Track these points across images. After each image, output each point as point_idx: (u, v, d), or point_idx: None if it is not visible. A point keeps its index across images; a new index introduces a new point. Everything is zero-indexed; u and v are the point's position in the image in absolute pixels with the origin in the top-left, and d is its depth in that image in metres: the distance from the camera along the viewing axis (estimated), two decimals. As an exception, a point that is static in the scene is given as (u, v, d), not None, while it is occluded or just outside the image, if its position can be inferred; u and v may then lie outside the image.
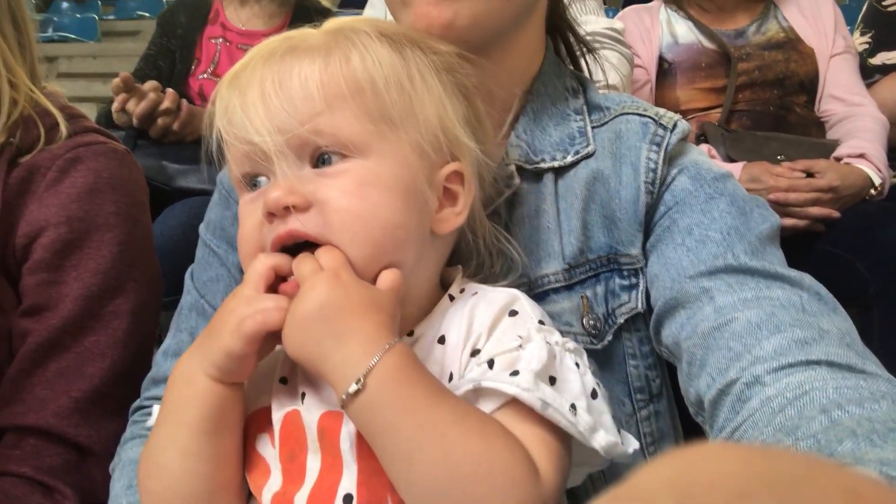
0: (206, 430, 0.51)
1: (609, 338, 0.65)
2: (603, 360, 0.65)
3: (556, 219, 0.66)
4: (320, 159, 0.52)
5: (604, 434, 0.48)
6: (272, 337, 0.50)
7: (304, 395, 0.53)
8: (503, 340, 0.51)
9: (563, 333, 0.62)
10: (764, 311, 0.55)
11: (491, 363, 0.50)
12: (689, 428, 0.68)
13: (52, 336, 0.78)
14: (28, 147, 0.82)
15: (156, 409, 0.55)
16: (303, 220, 0.50)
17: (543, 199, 0.66)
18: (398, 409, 0.45)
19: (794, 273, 0.59)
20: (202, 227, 0.77)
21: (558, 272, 0.65)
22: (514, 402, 0.48)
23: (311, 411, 0.52)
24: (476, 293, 0.56)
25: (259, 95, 0.51)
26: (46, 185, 0.81)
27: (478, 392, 0.49)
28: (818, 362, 0.50)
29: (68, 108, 0.88)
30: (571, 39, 0.79)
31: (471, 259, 0.61)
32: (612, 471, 0.60)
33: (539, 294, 0.64)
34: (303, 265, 0.50)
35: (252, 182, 0.54)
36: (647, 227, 0.66)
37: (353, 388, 0.45)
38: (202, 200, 1.52)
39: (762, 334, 0.53)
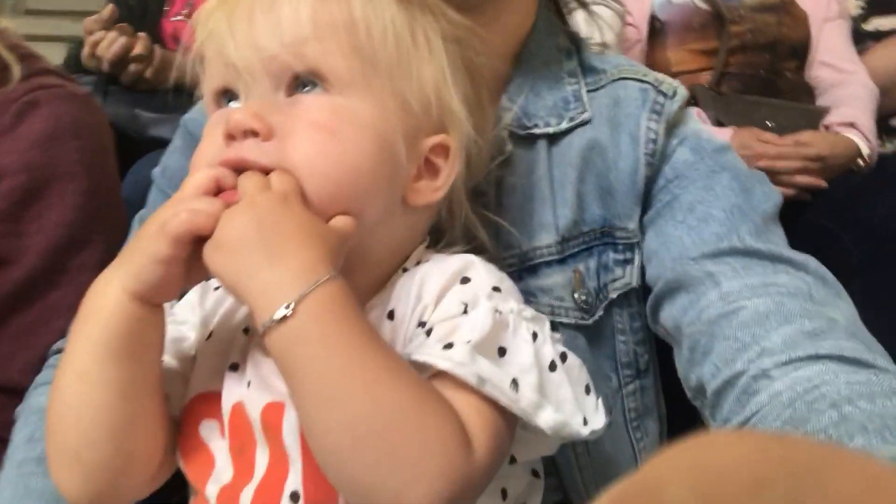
0: (109, 351, 0.45)
1: (600, 313, 0.63)
2: (592, 335, 0.64)
3: (550, 188, 0.63)
4: (296, 88, 0.48)
5: (551, 412, 0.45)
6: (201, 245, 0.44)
7: (249, 383, 0.49)
8: (445, 308, 0.48)
9: (553, 308, 0.60)
10: (772, 299, 0.54)
11: (429, 333, 0.46)
12: (672, 402, 0.67)
13: (15, 290, 0.76)
14: None
15: None
16: (261, 149, 0.46)
17: (536, 167, 0.63)
18: (328, 343, 0.41)
19: (799, 256, 0.58)
20: (157, 171, 0.73)
21: (551, 245, 0.62)
22: (447, 373, 0.44)
23: (254, 402, 0.48)
24: (429, 261, 0.52)
25: (246, 13, 0.48)
26: (1, 131, 0.77)
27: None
28: (828, 356, 0.49)
29: (21, 48, 0.83)
30: None
31: (440, 237, 0.57)
32: (595, 446, 0.59)
33: (530, 267, 0.62)
34: (249, 181, 0.45)
35: (226, 101, 0.51)
36: (646, 200, 0.64)
37: (280, 312, 0.40)
38: (177, 151, 1.49)
39: (770, 325, 0.52)
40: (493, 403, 0.45)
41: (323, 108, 0.47)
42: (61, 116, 0.80)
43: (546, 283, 0.62)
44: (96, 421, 0.45)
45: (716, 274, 0.57)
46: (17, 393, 0.74)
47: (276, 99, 0.48)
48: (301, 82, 0.48)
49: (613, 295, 0.64)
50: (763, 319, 0.53)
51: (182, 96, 1.50)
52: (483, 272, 0.50)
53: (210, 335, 0.54)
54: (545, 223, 0.63)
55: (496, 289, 0.49)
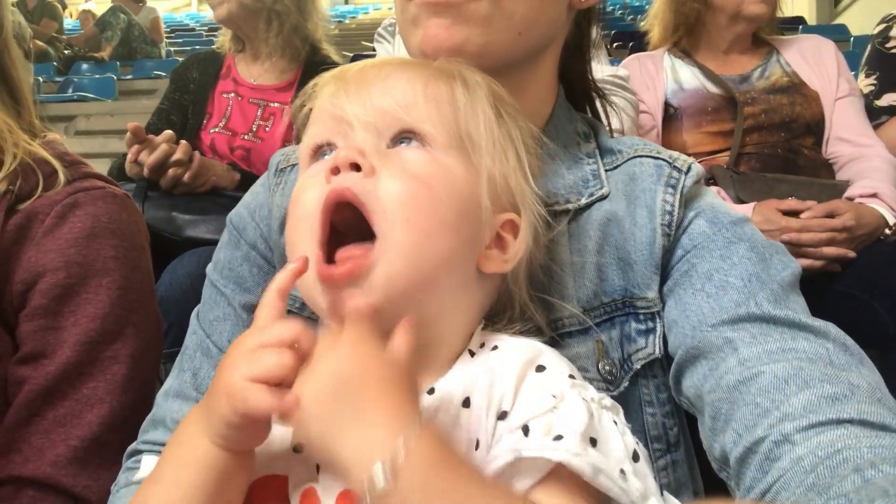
0: (204, 496, 0.46)
1: (625, 384, 0.63)
2: None
3: (570, 261, 0.64)
4: (400, 141, 0.53)
5: (655, 502, 0.45)
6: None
7: (318, 467, 0.49)
8: (534, 401, 0.47)
9: None
10: (791, 364, 0.53)
11: (526, 430, 0.46)
12: (708, 477, 0.65)
13: (49, 383, 0.77)
14: (27, 194, 0.82)
15: (145, 459, 0.52)
16: (363, 184, 0.49)
17: (556, 241, 0.65)
18: (431, 499, 0.39)
19: (818, 323, 0.57)
20: (209, 268, 0.76)
21: (572, 315, 0.63)
22: (556, 473, 0.43)
23: (327, 491, 0.47)
24: (496, 347, 0.53)
25: (362, 81, 0.54)
26: (45, 231, 0.81)
27: (517, 463, 0.44)
28: (850, 421, 0.48)
29: (67, 156, 0.89)
30: (581, 85, 0.79)
31: (502, 316, 0.59)
32: None
33: (553, 338, 0.62)
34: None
35: (323, 154, 0.55)
36: (664, 271, 0.64)
37: (379, 480, 0.38)
38: (211, 250, 1.52)
39: (790, 390, 0.51)
40: (601, 496, 0.44)
41: (422, 161, 0.52)
42: (99, 216, 0.84)
43: (569, 354, 0.61)
44: None
45: (734, 340, 0.56)
46: (48, 487, 0.75)
47: (380, 145, 0.52)
48: (402, 138, 0.53)
49: (638, 365, 0.63)
50: (782, 384, 0.52)
51: (217, 199, 1.57)
52: (554, 360, 0.51)
53: None
54: (566, 294, 0.63)
55: (572, 377, 0.50)
